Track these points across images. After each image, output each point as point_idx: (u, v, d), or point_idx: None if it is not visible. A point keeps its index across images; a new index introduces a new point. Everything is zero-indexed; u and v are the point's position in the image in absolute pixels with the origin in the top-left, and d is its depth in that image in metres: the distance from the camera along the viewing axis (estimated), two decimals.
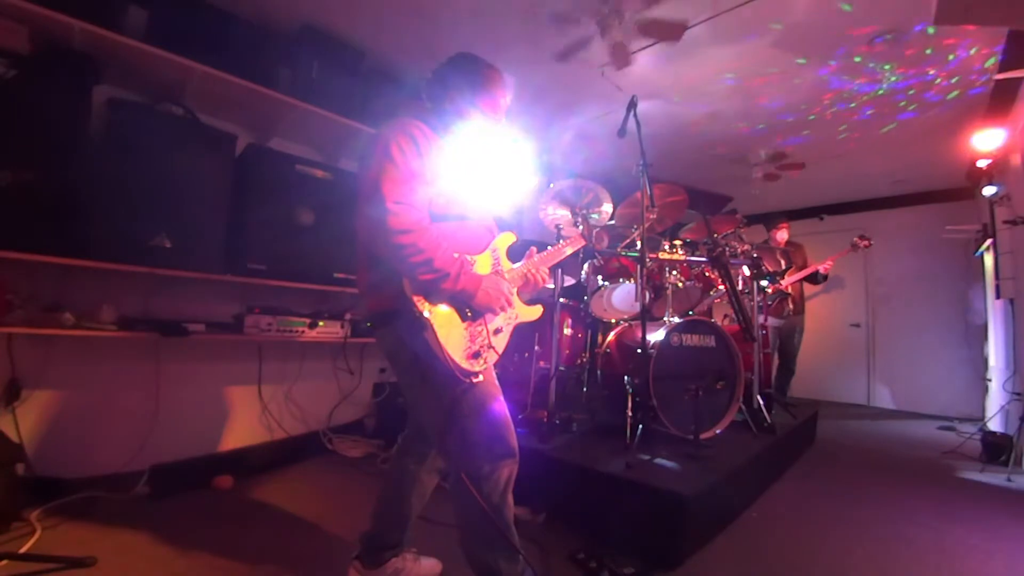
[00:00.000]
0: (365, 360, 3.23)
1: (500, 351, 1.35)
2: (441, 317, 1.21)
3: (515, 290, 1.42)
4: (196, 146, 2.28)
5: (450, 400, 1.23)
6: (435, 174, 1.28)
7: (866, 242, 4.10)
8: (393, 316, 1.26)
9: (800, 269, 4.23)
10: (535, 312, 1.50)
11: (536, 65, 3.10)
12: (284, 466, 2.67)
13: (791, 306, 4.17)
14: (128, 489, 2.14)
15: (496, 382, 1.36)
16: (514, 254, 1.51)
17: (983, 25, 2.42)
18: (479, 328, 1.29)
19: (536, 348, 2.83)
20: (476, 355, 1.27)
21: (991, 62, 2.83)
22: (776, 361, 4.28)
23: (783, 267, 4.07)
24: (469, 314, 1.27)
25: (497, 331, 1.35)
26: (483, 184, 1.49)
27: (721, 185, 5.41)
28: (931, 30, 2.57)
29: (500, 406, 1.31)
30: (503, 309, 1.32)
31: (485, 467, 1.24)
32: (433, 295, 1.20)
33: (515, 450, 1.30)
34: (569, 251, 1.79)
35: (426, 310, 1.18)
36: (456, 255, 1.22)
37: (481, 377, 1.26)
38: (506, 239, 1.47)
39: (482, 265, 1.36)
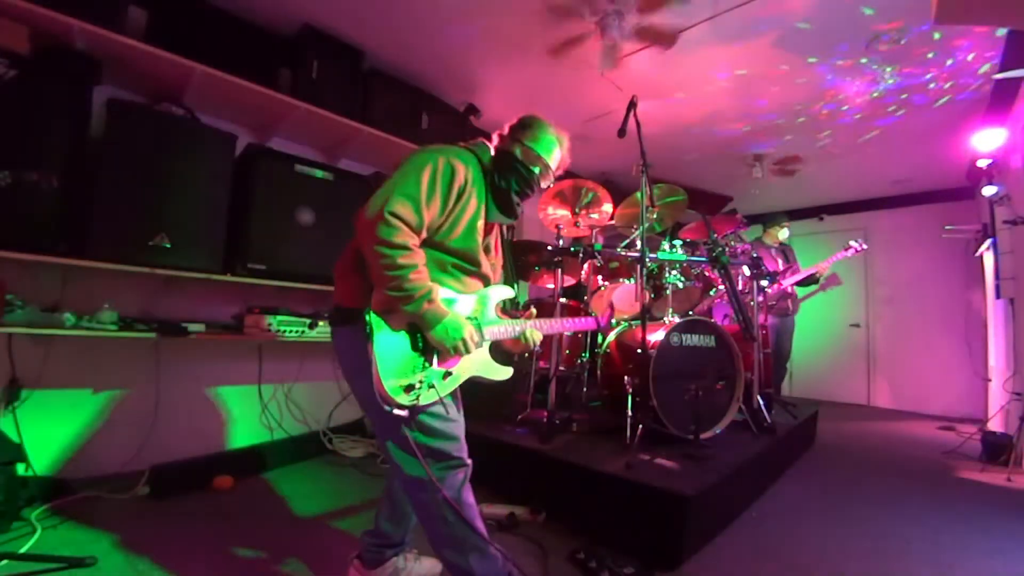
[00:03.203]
0: None
1: (442, 395, 1.24)
2: (390, 336, 1.18)
3: (487, 343, 1.36)
4: (196, 146, 2.28)
5: (385, 417, 1.19)
6: (450, 220, 1.26)
7: (859, 246, 3.84)
8: (353, 316, 1.22)
9: (792, 269, 4.20)
10: (501, 373, 1.40)
11: (536, 65, 3.10)
12: (284, 466, 2.68)
13: (790, 305, 4.15)
14: (128, 489, 2.14)
15: (443, 410, 1.28)
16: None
17: (983, 25, 2.42)
18: (425, 363, 1.22)
19: (536, 348, 2.83)
20: (410, 388, 1.18)
21: (989, 66, 2.84)
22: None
23: (779, 265, 4.05)
24: (420, 345, 1.21)
25: (447, 374, 1.27)
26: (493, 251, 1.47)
27: (721, 185, 5.41)
28: (937, 35, 2.58)
29: (442, 425, 1.26)
30: (457, 352, 1.22)
31: (433, 475, 1.22)
32: (394, 313, 1.17)
33: (462, 458, 1.29)
34: (569, 333, 1.71)
35: (378, 325, 1.15)
36: (431, 284, 1.18)
37: (404, 412, 1.17)
38: (501, 291, 1.43)
39: (463, 304, 1.32)
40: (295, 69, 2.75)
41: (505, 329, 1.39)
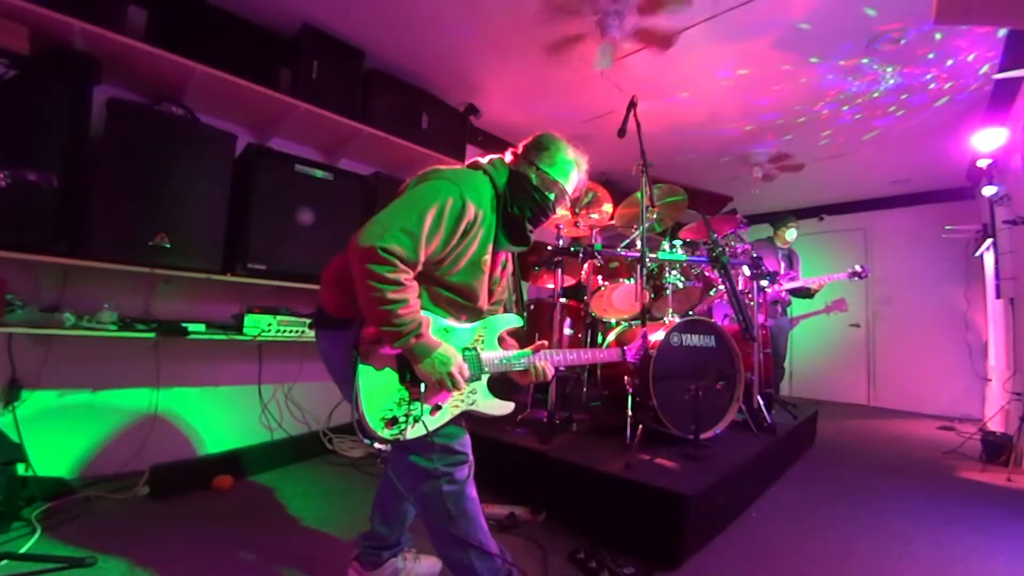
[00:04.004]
0: None
1: (430, 429, 1.19)
2: (375, 369, 1.14)
3: (487, 375, 1.31)
4: (196, 146, 2.28)
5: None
6: (452, 256, 1.21)
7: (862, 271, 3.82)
8: (336, 322, 1.20)
9: (791, 276, 4.19)
10: (499, 408, 1.33)
11: (536, 65, 3.10)
12: (284, 466, 2.67)
13: (780, 309, 4.15)
14: (128, 489, 2.14)
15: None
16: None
17: (983, 25, 2.42)
18: (413, 396, 1.17)
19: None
20: (394, 421, 1.14)
21: (989, 66, 2.84)
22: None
23: (781, 269, 4.05)
24: (409, 378, 1.16)
25: (436, 408, 1.22)
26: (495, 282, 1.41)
27: (721, 185, 5.41)
28: (938, 35, 2.58)
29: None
30: (443, 387, 1.16)
31: (439, 469, 1.22)
32: (380, 346, 1.14)
33: (466, 453, 1.28)
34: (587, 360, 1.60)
35: (360, 357, 1.12)
36: (421, 317, 1.12)
37: (386, 447, 1.13)
38: (507, 320, 1.38)
39: (463, 334, 1.28)
40: (295, 69, 2.75)
41: (510, 361, 1.34)
